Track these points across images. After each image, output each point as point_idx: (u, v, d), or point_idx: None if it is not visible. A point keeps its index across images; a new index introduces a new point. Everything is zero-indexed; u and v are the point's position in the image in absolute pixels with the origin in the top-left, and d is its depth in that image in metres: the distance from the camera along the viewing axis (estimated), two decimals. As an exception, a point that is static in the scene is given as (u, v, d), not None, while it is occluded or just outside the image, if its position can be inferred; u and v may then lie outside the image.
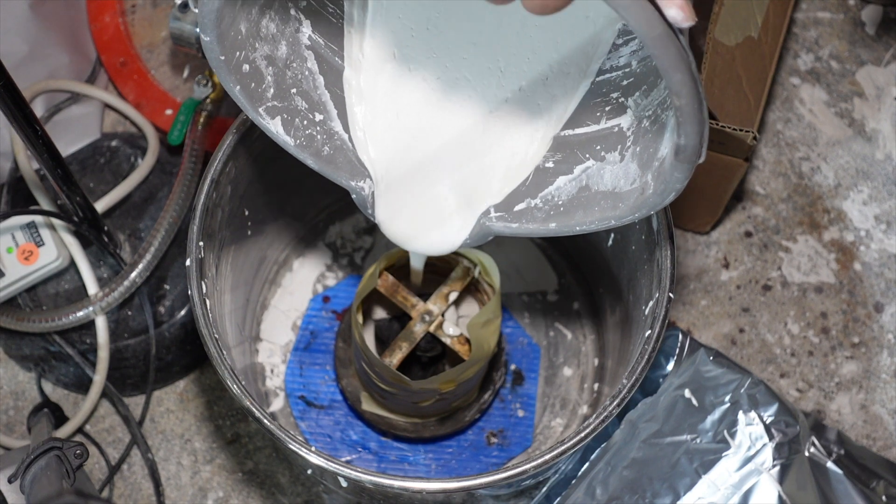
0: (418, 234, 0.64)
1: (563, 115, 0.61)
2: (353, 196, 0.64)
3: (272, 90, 0.59)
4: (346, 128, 0.64)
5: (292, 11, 0.59)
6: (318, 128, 0.62)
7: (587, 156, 0.60)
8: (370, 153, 0.64)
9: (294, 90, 0.61)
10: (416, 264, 0.72)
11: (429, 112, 0.63)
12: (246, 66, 0.56)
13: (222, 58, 0.54)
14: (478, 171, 0.63)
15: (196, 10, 0.70)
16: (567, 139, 0.61)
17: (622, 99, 0.58)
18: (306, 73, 0.61)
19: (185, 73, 0.97)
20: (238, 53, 0.55)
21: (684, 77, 0.44)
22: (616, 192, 0.57)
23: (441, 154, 0.63)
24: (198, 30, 0.59)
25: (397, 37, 0.62)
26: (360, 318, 0.73)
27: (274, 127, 0.60)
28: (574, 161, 0.60)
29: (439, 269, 0.77)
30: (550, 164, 0.62)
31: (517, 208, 0.62)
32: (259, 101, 0.59)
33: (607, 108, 0.59)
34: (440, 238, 0.63)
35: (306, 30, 0.60)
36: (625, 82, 0.58)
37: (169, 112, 0.93)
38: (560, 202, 0.60)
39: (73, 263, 0.83)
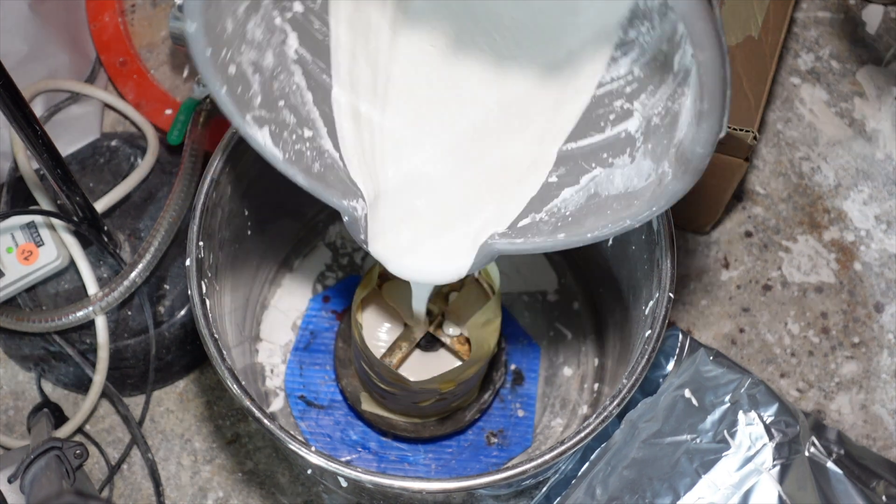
0: (421, 267, 0.61)
1: (564, 130, 0.59)
2: (345, 218, 0.61)
3: (259, 98, 0.56)
4: (337, 146, 0.61)
5: (277, 21, 0.56)
6: (308, 144, 0.60)
7: (593, 165, 0.58)
8: (371, 172, 0.62)
9: (282, 102, 0.58)
10: (419, 306, 0.69)
11: (429, 140, 0.61)
12: (232, 68, 0.53)
13: (209, 51, 0.50)
14: (479, 195, 0.61)
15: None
16: (571, 153, 0.59)
17: (627, 105, 0.56)
18: (294, 87, 0.59)
19: (185, 73, 0.97)
20: (224, 52, 0.52)
21: (706, 26, 0.42)
22: (629, 192, 0.55)
23: (441, 181, 0.61)
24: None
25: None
26: (360, 318, 0.73)
27: (262, 138, 0.57)
28: (579, 172, 0.58)
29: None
30: (554, 179, 0.59)
31: (521, 224, 0.60)
32: (246, 108, 0.55)
33: (612, 117, 0.57)
34: (445, 267, 0.61)
35: (293, 43, 0.58)
36: (628, 89, 0.56)
37: (168, 112, 0.93)
38: (567, 213, 0.58)
39: (72, 263, 0.83)
